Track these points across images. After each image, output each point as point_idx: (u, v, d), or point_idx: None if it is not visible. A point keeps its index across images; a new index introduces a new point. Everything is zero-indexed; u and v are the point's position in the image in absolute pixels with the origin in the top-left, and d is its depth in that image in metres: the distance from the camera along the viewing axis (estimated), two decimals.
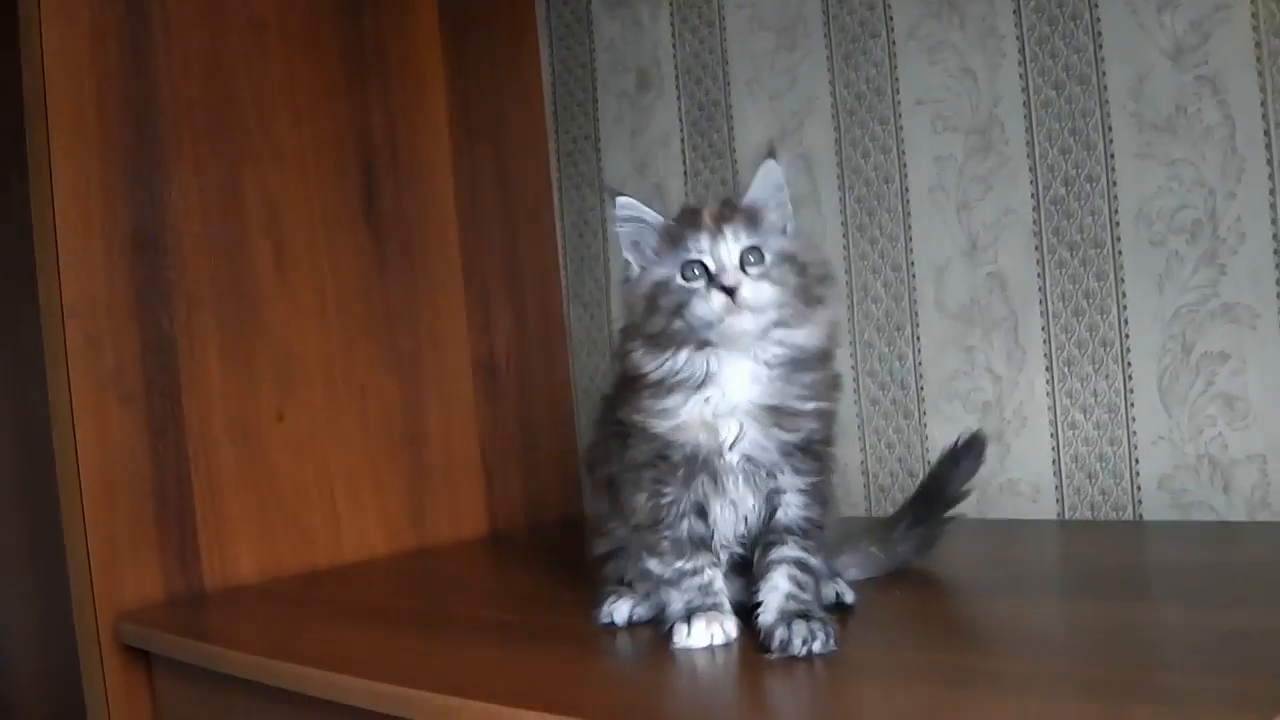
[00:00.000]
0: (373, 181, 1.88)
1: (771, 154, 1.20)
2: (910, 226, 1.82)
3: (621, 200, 1.19)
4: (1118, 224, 1.63)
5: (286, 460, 1.73)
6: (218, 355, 1.67)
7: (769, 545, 1.17)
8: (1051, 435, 1.70)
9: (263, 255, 1.73)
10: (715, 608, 1.16)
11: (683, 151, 2.07)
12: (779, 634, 1.09)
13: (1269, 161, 1.52)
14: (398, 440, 1.88)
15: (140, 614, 1.55)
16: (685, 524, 1.18)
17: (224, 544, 1.66)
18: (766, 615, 1.13)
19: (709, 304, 1.11)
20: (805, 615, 1.10)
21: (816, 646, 1.07)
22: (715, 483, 1.17)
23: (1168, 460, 1.62)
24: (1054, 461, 1.70)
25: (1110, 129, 1.63)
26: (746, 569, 1.21)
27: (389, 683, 1.13)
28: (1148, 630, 1.14)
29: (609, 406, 1.26)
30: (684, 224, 1.16)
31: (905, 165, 1.82)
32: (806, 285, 1.15)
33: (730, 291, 1.10)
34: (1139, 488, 1.64)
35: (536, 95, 2.22)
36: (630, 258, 1.20)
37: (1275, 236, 1.52)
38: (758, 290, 1.11)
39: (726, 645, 1.13)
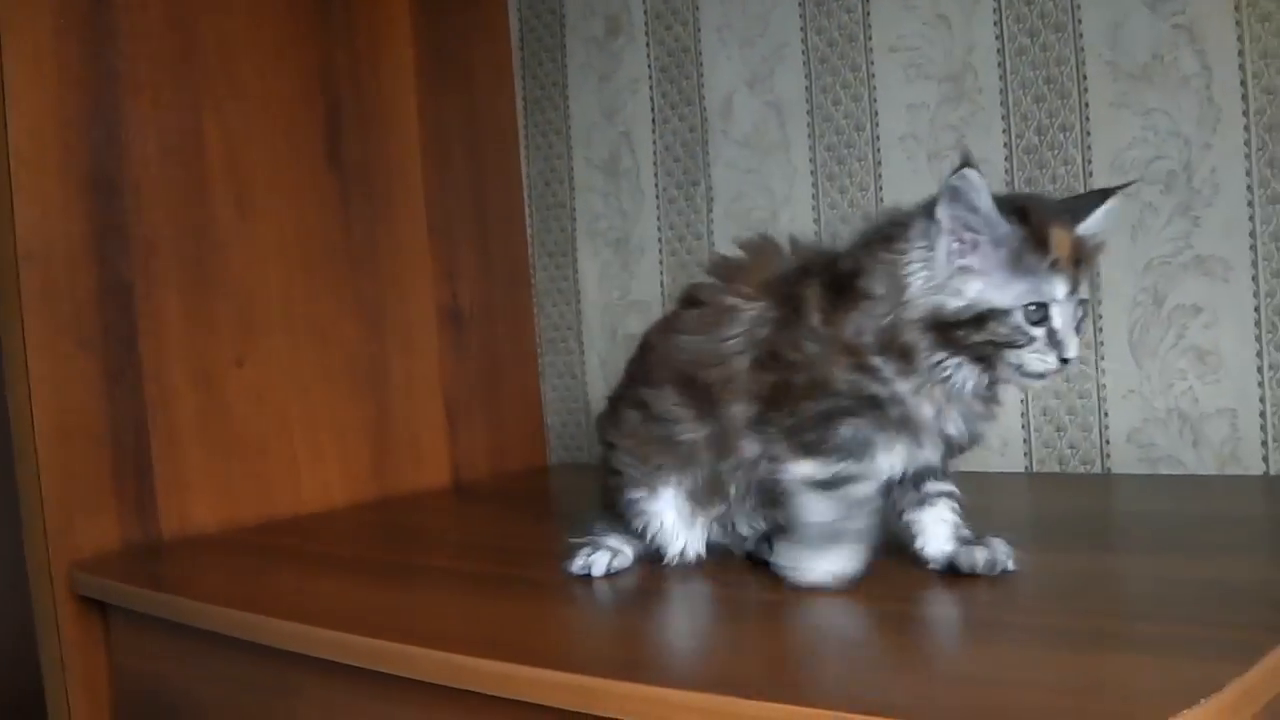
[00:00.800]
0: (337, 125, 1.84)
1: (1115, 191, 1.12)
2: (881, 175, 1.80)
3: (973, 176, 1.03)
4: (1091, 174, 1.62)
5: (246, 407, 1.70)
6: (177, 300, 1.63)
7: (920, 482, 1.16)
8: (1020, 387, 1.69)
9: (224, 199, 1.69)
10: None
11: (651, 99, 2.04)
12: (974, 558, 1.11)
13: (1245, 112, 1.51)
14: (360, 388, 1.85)
15: (96, 564, 1.52)
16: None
17: (182, 492, 1.63)
18: (943, 544, 1.14)
19: (1042, 362, 1.05)
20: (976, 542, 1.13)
21: (1010, 565, 1.11)
22: (916, 442, 1.12)
23: (1137, 413, 1.61)
24: (1023, 414, 1.69)
25: (1085, 77, 1.61)
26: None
27: (356, 634, 1.11)
28: (1121, 581, 1.14)
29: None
30: (1035, 247, 1.04)
31: (877, 113, 1.79)
32: None
33: (1066, 361, 1.05)
34: (1108, 441, 1.63)
35: (503, 40, 2.18)
36: (945, 244, 1.06)
37: (1250, 188, 1.51)
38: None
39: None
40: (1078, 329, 1.06)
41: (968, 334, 1.05)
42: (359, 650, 1.10)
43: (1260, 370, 1.52)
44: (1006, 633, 0.96)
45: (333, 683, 1.17)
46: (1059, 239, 1.05)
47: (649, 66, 2.04)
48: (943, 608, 1.06)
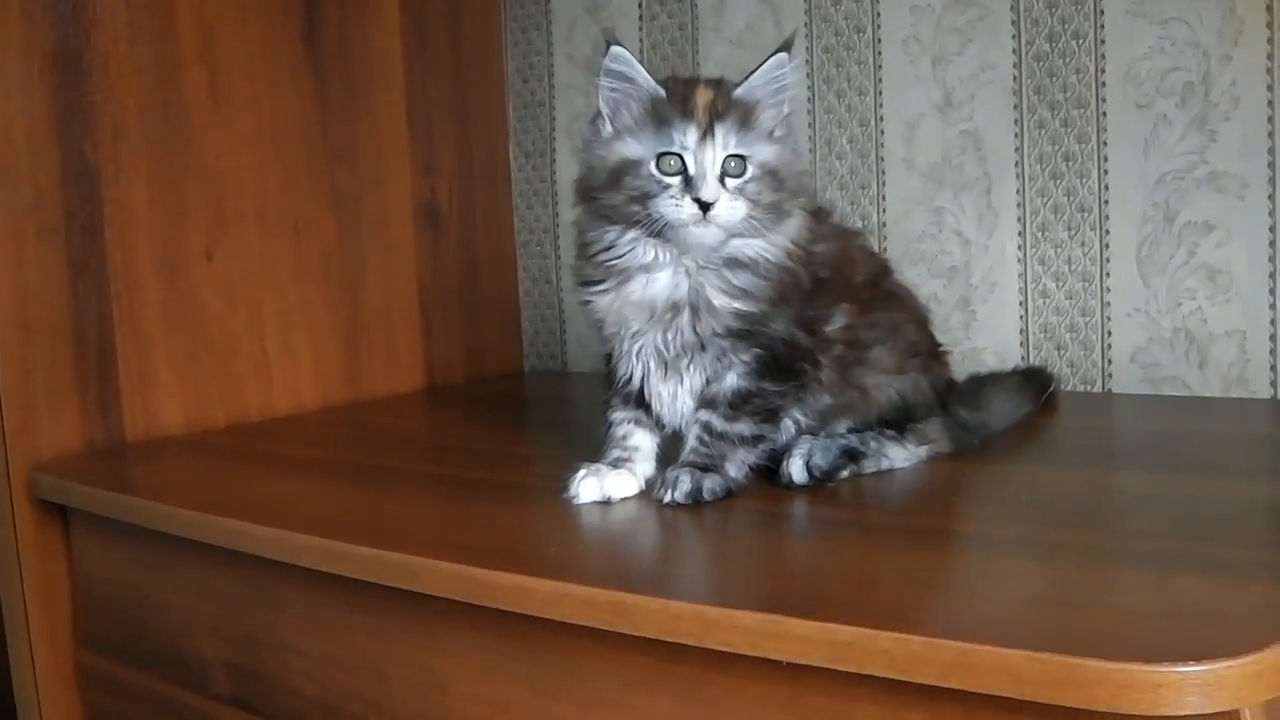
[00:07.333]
0: (315, 8, 1.74)
1: (786, 47, 1.13)
2: (881, 80, 1.73)
3: (616, 51, 1.10)
4: (1104, 84, 1.56)
5: (216, 303, 1.62)
6: (145, 187, 1.55)
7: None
8: (1020, 304, 1.64)
9: (196, 82, 1.59)
10: (616, 463, 1.15)
11: None
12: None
13: (1269, 24, 1.45)
14: (334, 285, 1.77)
15: (56, 465, 1.46)
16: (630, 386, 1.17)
17: (147, 391, 1.55)
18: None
19: (680, 210, 1.06)
20: (702, 468, 1.10)
21: (669, 495, 1.08)
22: (642, 365, 1.15)
23: (1142, 333, 1.56)
24: (1022, 331, 1.64)
25: None
26: None
27: (341, 540, 1.06)
28: (1121, 497, 1.12)
29: None
30: (674, 103, 1.09)
31: (879, 14, 1.72)
32: (779, 202, 1.11)
33: (705, 206, 1.06)
34: (1110, 360, 1.59)
35: None
36: (606, 116, 1.12)
37: (1270, 104, 1.46)
38: (733, 209, 1.07)
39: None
40: (726, 179, 1.07)
41: (614, 197, 1.09)
42: (349, 559, 1.04)
43: (1273, 292, 1.48)
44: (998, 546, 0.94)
45: (317, 592, 1.12)
46: (699, 94, 1.09)
47: None
48: (940, 520, 1.01)
